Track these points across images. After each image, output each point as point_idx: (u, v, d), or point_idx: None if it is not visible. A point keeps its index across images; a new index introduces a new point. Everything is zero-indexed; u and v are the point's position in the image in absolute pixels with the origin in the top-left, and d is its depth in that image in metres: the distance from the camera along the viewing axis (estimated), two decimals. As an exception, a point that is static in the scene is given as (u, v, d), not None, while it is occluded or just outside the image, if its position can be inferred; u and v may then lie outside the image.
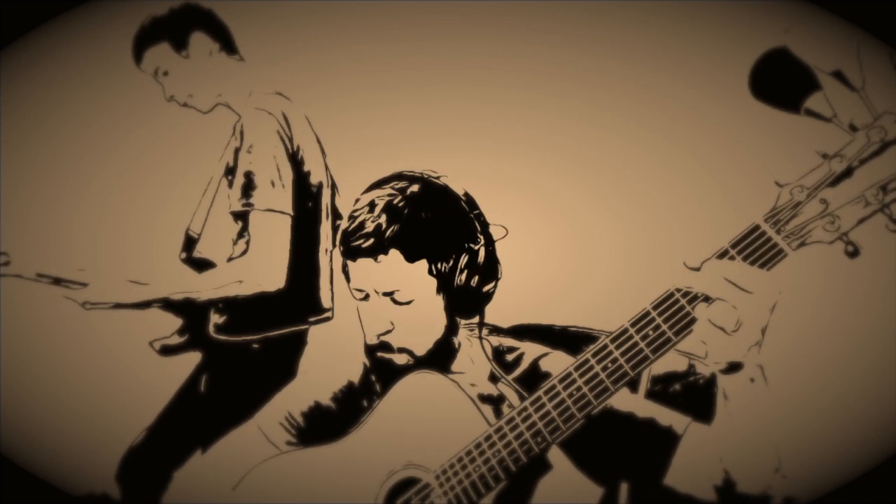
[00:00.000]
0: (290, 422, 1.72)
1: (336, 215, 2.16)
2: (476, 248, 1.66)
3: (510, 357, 1.71)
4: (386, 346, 1.64)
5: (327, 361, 1.98)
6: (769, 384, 1.44)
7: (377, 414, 1.64)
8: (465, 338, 1.69)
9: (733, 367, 1.41)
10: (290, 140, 2.11)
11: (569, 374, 1.50)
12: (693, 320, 1.42)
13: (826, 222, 1.38)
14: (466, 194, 1.69)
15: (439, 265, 1.63)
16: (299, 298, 2.12)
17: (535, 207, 2.02)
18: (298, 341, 2.12)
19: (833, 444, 1.85)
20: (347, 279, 1.67)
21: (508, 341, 1.73)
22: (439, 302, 1.64)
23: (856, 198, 1.37)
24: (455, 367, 1.68)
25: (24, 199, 2.12)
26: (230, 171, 2.12)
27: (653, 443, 1.57)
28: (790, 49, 1.51)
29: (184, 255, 2.16)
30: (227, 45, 2.17)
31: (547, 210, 2.03)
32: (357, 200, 1.67)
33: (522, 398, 1.59)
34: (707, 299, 1.41)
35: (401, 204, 1.63)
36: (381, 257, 1.62)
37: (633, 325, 1.46)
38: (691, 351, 1.45)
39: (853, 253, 1.38)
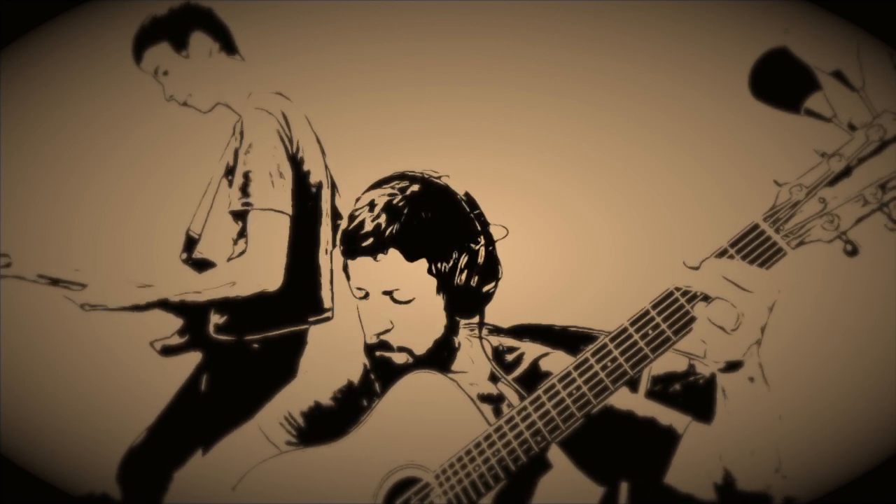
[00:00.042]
0: (290, 422, 1.73)
1: (336, 215, 2.17)
2: (476, 247, 1.66)
3: (510, 357, 1.71)
4: (385, 346, 1.64)
5: (327, 361, 1.98)
6: (769, 383, 1.44)
7: (377, 414, 1.64)
8: (465, 338, 1.69)
9: (733, 366, 1.41)
10: (290, 140, 2.11)
11: (568, 374, 1.50)
12: (692, 319, 1.42)
13: (825, 221, 1.38)
14: (467, 194, 1.69)
15: (439, 265, 1.63)
16: (299, 298, 2.12)
17: (535, 207, 2.02)
18: (298, 341, 2.12)
19: (833, 444, 1.84)
20: (348, 278, 1.67)
21: (508, 341, 1.73)
22: (439, 301, 1.64)
23: (855, 196, 1.37)
24: (455, 366, 1.68)
25: (24, 199, 2.12)
26: (230, 172, 2.12)
27: (653, 442, 1.57)
28: (790, 49, 1.50)
29: (184, 256, 2.16)
30: (227, 45, 2.17)
31: (547, 210, 2.03)
32: (357, 200, 1.68)
33: (522, 398, 1.59)
34: (706, 298, 1.41)
35: (401, 203, 1.63)
36: (380, 256, 1.62)
37: (632, 324, 1.46)
38: (691, 350, 1.45)
39: (852, 252, 1.38)
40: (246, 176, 2.08)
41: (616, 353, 1.47)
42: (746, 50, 1.61)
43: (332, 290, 2.15)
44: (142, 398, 2.07)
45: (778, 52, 1.52)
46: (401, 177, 1.68)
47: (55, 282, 2.06)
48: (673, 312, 1.44)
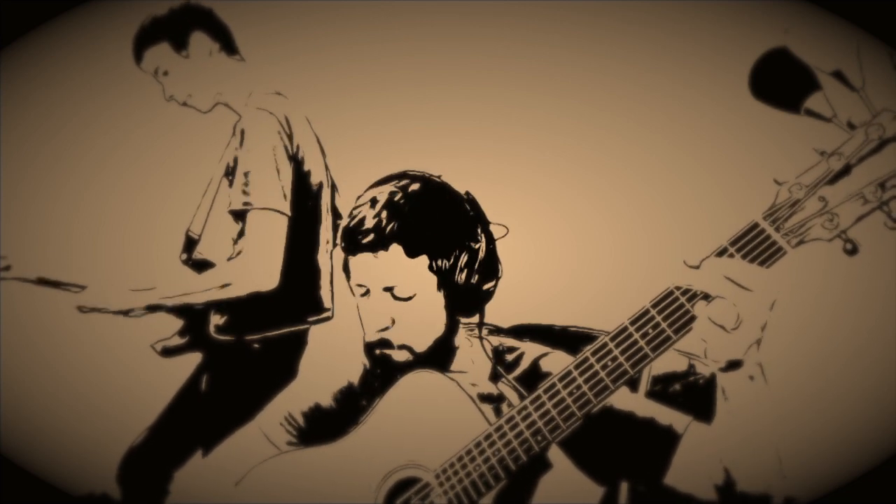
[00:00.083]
0: (291, 422, 1.72)
1: (336, 215, 2.17)
2: (476, 246, 1.66)
3: (510, 357, 1.71)
4: (386, 343, 1.64)
5: (327, 361, 1.98)
6: (769, 383, 1.44)
7: (377, 414, 1.64)
8: (466, 338, 1.69)
9: (733, 365, 1.41)
10: (290, 140, 2.11)
11: (569, 373, 1.50)
12: (693, 318, 1.42)
13: (825, 220, 1.38)
14: (468, 193, 1.70)
15: (440, 262, 1.63)
16: (299, 298, 2.12)
17: (535, 207, 2.02)
18: (299, 341, 2.12)
19: (833, 444, 1.84)
20: (348, 276, 1.67)
21: (508, 341, 1.73)
22: (440, 300, 1.64)
23: (854, 195, 1.37)
24: (455, 366, 1.68)
25: (24, 200, 2.12)
26: (230, 172, 2.12)
27: (653, 442, 1.57)
28: (790, 49, 1.51)
29: (184, 257, 2.16)
30: (227, 45, 2.17)
31: (547, 210, 2.03)
32: (359, 197, 1.68)
33: (522, 397, 1.59)
34: (707, 297, 1.41)
35: (402, 201, 1.64)
36: (381, 253, 1.62)
37: (632, 323, 1.46)
38: (691, 349, 1.45)
39: (852, 251, 1.38)
40: (246, 176, 2.08)
41: (616, 352, 1.47)
42: (746, 50, 1.61)
43: (332, 290, 2.15)
44: (142, 398, 2.07)
45: (778, 52, 1.52)
46: (403, 175, 1.69)
47: (54, 284, 2.06)
48: (673, 311, 1.44)
